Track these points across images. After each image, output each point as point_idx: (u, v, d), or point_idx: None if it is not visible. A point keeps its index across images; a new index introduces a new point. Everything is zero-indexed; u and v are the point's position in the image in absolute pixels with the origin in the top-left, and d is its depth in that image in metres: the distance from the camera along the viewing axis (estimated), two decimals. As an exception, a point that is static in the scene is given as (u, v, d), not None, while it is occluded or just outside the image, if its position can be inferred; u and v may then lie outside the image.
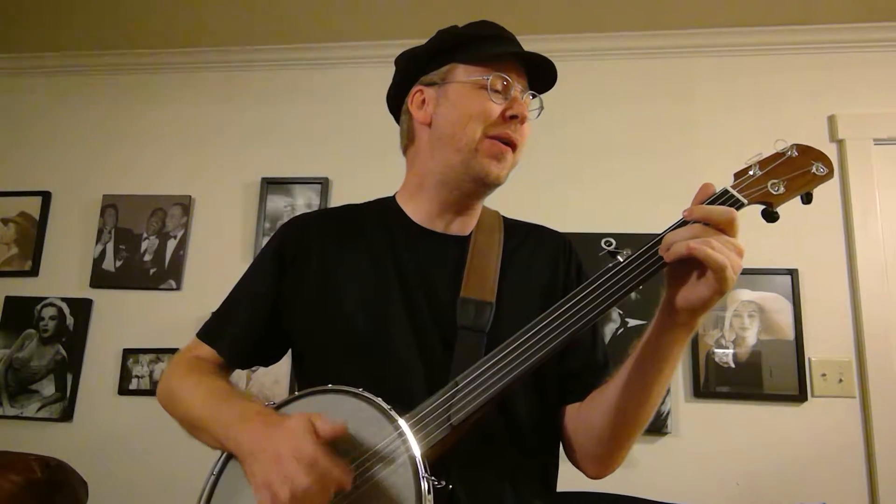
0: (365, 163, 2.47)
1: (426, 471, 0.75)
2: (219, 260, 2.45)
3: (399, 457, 0.77)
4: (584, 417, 0.96)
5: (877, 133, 2.24)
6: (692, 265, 0.76)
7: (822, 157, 0.83)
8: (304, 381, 1.00)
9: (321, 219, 1.09)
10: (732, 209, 0.77)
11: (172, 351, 2.34)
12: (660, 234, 0.80)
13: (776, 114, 2.31)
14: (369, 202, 1.11)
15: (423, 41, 1.07)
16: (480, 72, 0.96)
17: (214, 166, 2.55)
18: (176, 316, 2.39)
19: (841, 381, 2.08)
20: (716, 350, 2.13)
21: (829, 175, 0.83)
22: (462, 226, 1.04)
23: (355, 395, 0.82)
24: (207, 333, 1.05)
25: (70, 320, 2.43)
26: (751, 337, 2.13)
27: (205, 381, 0.96)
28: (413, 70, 1.04)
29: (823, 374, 2.09)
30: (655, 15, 2.32)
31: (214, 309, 1.08)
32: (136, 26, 2.50)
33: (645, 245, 0.81)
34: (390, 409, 0.80)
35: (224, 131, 2.59)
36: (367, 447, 0.78)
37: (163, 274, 2.45)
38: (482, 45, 0.99)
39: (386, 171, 2.41)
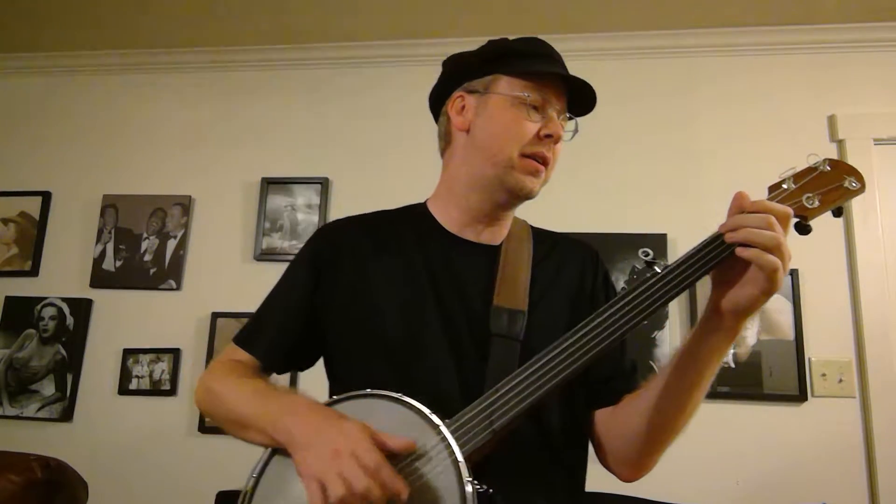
0: (365, 163, 2.47)
1: (470, 475, 0.76)
2: (219, 260, 2.44)
3: (441, 461, 0.78)
4: (619, 422, 0.97)
5: (877, 133, 2.24)
6: (740, 267, 0.78)
7: (853, 172, 0.84)
8: (337, 385, 1.02)
9: (355, 225, 1.10)
10: (789, 207, 0.79)
11: (172, 351, 2.34)
12: (700, 242, 0.81)
13: (776, 114, 2.31)
14: (401, 208, 1.13)
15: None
16: (521, 87, 0.98)
17: (214, 166, 2.55)
18: (176, 316, 2.39)
19: (841, 381, 2.08)
20: (716, 350, 2.13)
21: (862, 189, 0.84)
22: (493, 235, 1.05)
23: (396, 399, 0.83)
24: (244, 339, 1.06)
25: (70, 320, 2.43)
26: (751, 337, 2.13)
27: (247, 381, 0.97)
28: (458, 74, 1.06)
29: (823, 374, 2.09)
30: (655, 15, 2.32)
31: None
32: (136, 26, 2.50)
33: (682, 257, 0.82)
34: (431, 414, 0.81)
35: (224, 131, 2.59)
36: (410, 451, 0.79)
37: (163, 274, 2.45)
38: (527, 60, 1.00)
39: (386, 171, 2.44)
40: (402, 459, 0.79)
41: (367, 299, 0.99)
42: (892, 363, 2.07)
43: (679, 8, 2.27)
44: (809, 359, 2.10)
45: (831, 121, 2.28)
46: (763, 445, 2.06)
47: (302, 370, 1.08)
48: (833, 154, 2.25)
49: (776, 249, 0.75)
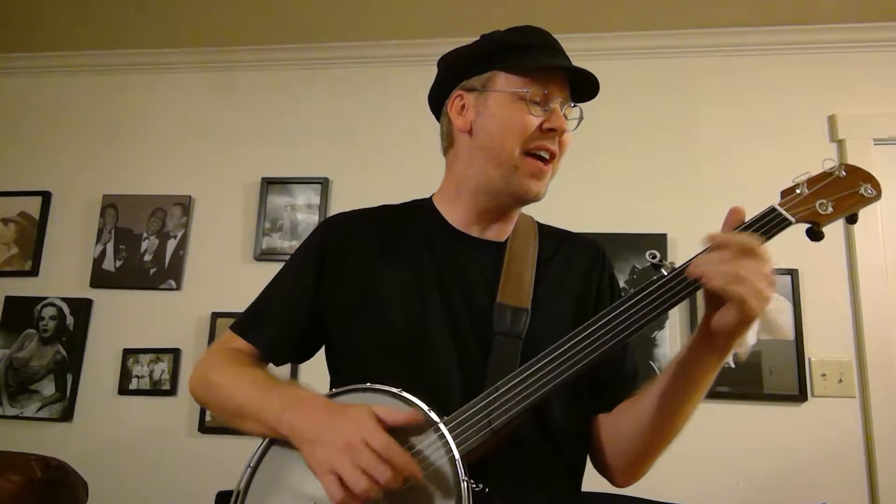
0: (365, 163, 2.47)
1: (466, 474, 0.76)
2: (219, 260, 2.44)
3: (438, 459, 0.78)
4: (613, 427, 0.97)
5: (877, 133, 2.24)
6: None
7: (870, 179, 0.83)
8: (339, 378, 1.01)
9: (360, 218, 1.09)
10: (752, 240, 0.76)
11: (172, 351, 2.34)
12: (691, 258, 0.79)
13: (776, 114, 2.31)
14: (406, 203, 1.12)
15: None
16: (521, 83, 0.96)
17: (214, 166, 2.55)
18: (176, 316, 2.39)
19: (841, 381, 2.08)
20: (716, 350, 2.13)
21: (877, 197, 0.82)
22: (498, 232, 1.05)
23: (394, 395, 0.83)
24: (243, 327, 1.04)
25: (70, 320, 2.43)
26: (751, 337, 2.13)
27: (246, 370, 0.96)
28: (455, 73, 1.04)
29: (823, 374, 2.09)
30: (655, 15, 2.32)
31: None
32: (136, 26, 2.50)
33: (682, 264, 0.81)
34: (430, 411, 0.81)
35: (224, 131, 2.59)
36: (407, 448, 0.78)
37: (163, 274, 2.45)
38: (525, 54, 0.99)
39: (386, 171, 2.44)
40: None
41: (372, 296, 0.98)
42: (892, 363, 2.07)
43: (679, 8, 2.27)
44: (809, 359, 2.10)
45: (831, 121, 2.28)
46: (763, 445, 2.06)
47: (300, 362, 1.07)
48: (833, 154, 2.25)
49: (736, 283, 0.73)
